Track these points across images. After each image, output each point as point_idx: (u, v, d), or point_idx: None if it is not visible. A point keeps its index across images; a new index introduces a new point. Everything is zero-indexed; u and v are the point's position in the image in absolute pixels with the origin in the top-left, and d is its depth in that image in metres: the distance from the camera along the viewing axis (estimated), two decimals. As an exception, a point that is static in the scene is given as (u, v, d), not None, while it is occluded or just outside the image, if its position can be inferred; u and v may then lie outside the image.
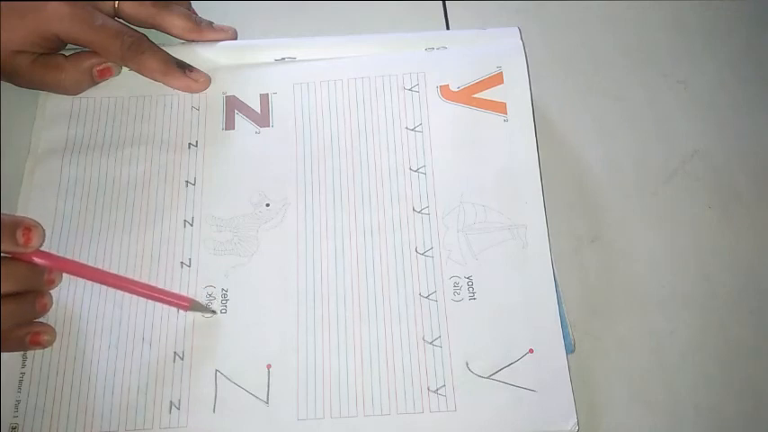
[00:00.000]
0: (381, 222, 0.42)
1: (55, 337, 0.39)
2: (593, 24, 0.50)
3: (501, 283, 0.40)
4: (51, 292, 0.39)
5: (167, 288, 0.40)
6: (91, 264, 0.40)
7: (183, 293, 0.40)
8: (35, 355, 0.38)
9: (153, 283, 0.39)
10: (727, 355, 0.40)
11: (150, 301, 0.39)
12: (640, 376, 0.40)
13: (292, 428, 0.37)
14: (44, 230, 0.36)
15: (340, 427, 0.37)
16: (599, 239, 0.43)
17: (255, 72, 0.45)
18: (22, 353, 0.38)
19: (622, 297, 0.42)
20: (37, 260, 0.36)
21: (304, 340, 0.39)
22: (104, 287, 0.40)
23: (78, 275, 0.38)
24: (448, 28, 0.49)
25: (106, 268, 0.40)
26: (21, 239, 0.34)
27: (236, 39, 0.47)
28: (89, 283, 0.40)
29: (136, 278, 0.39)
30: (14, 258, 0.35)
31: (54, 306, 0.39)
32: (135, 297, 0.39)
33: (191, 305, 0.39)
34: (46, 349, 0.39)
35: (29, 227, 0.35)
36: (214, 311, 0.40)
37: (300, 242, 0.41)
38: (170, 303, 0.39)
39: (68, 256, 0.39)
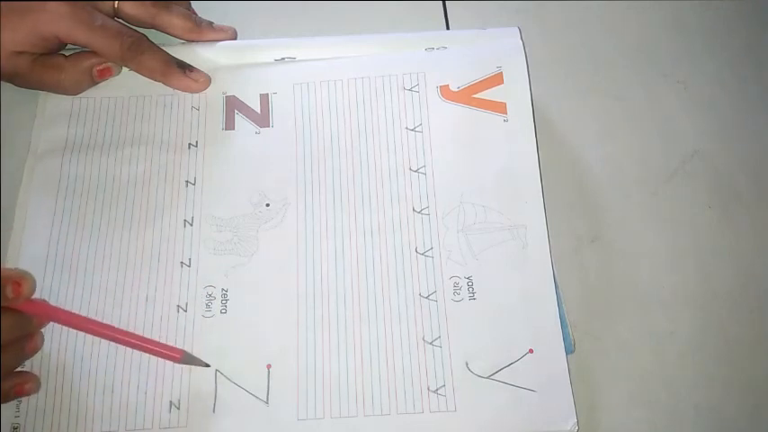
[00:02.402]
0: (381, 222, 0.42)
1: (39, 384, 0.38)
2: (593, 24, 0.50)
3: (501, 283, 0.40)
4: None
5: (167, 287, 0.40)
6: (90, 266, 0.40)
7: (174, 345, 0.38)
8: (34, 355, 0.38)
9: (144, 333, 0.38)
10: (727, 355, 0.40)
11: (141, 351, 0.38)
12: (640, 376, 0.40)
13: (292, 428, 0.37)
14: (34, 280, 0.35)
15: (340, 427, 0.37)
16: (599, 239, 0.43)
17: (255, 72, 0.45)
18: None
19: (622, 297, 0.42)
20: (28, 310, 0.36)
21: (304, 340, 0.39)
22: (104, 286, 0.40)
23: (69, 325, 0.38)
24: (448, 28, 0.49)
25: (106, 268, 0.40)
26: (10, 294, 0.34)
27: (235, 39, 0.47)
28: (88, 283, 0.40)
29: (135, 271, 0.40)
30: (5, 309, 0.35)
31: (54, 305, 0.39)
32: (135, 296, 0.40)
33: (182, 357, 0.38)
34: (45, 351, 0.38)
35: (18, 280, 0.34)
36: (208, 365, 0.38)
37: (300, 242, 0.41)
38: (161, 355, 0.38)
39: (62, 306, 0.38)
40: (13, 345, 0.36)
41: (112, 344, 0.39)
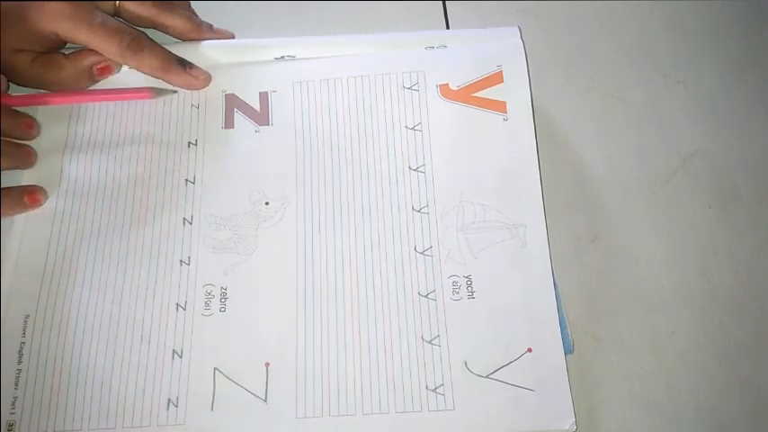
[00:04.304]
0: (380, 221, 0.41)
1: (47, 195, 0.42)
2: (593, 24, 0.50)
3: (500, 282, 0.40)
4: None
5: (166, 285, 0.40)
6: (90, 264, 0.40)
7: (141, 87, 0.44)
8: (32, 351, 0.38)
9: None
10: (727, 355, 0.40)
11: (114, 101, 0.43)
12: (640, 376, 0.40)
13: (291, 426, 0.37)
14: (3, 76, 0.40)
15: (338, 426, 0.37)
16: (599, 239, 0.43)
17: (255, 70, 0.45)
18: (18, 350, 0.38)
19: (622, 297, 0.42)
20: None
21: (303, 338, 0.39)
22: (104, 285, 0.40)
23: (40, 104, 0.43)
24: (448, 28, 0.49)
25: (105, 266, 0.40)
26: None
27: None
28: (87, 280, 0.40)
29: (135, 269, 0.40)
30: None
31: (53, 303, 0.39)
32: (134, 294, 0.40)
33: (152, 92, 0.42)
34: (43, 346, 0.39)
35: None
36: (175, 91, 0.44)
37: (300, 240, 0.41)
38: (132, 98, 0.42)
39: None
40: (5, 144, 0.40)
41: (111, 340, 0.39)
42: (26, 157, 0.42)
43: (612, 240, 0.43)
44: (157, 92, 0.42)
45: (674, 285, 0.42)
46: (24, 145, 0.42)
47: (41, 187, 0.42)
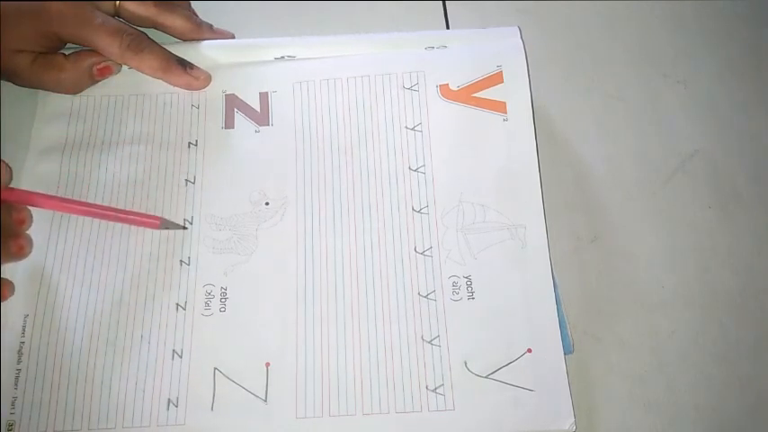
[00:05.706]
0: (380, 222, 0.41)
1: (13, 290, 0.39)
2: (593, 24, 0.50)
3: (500, 282, 0.40)
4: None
5: (166, 286, 0.40)
6: (90, 264, 0.40)
7: (151, 213, 0.41)
8: (31, 351, 0.38)
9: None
10: (727, 355, 0.40)
11: (120, 223, 0.41)
12: (640, 376, 0.40)
13: (291, 427, 0.37)
14: (10, 168, 0.38)
15: (338, 426, 0.37)
16: (599, 239, 0.43)
17: (255, 70, 0.45)
18: (18, 350, 0.38)
19: (622, 297, 0.42)
20: (5, 198, 0.36)
21: (303, 339, 0.39)
22: (104, 284, 0.40)
23: (44, 207, 0.40)
24: (448, 28, 0.49)
25: (105, 266, 0.40)
26: None
27: None
28: (87, 281, 0.40)
29: (135, 269, 0.40)
30: None
31: (52, 303, 0.39)
32: (134, 294, 0.40)
33: (161, 222, 0.40)
34: (42, 345, 0.39)
35: None
36: (185, 227, 0.41)
37: (300, 241, 0.41)
38: (139, 224, 0.40)
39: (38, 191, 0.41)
40: None
41: (111, 340, 0.39)
42: (17, 252, 0.39)
43: (612, 240, 0.43)
44: (166, 224, 0.41)
45: (674, 285, 0.42)
46: (17, 238, 0.39)
47: (9, 281, 0.39)
